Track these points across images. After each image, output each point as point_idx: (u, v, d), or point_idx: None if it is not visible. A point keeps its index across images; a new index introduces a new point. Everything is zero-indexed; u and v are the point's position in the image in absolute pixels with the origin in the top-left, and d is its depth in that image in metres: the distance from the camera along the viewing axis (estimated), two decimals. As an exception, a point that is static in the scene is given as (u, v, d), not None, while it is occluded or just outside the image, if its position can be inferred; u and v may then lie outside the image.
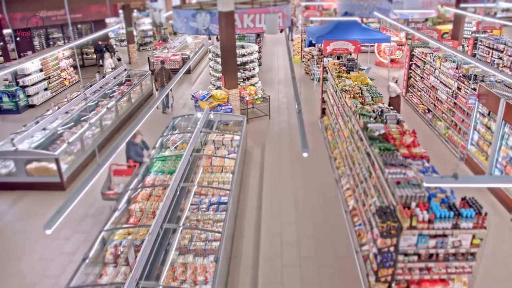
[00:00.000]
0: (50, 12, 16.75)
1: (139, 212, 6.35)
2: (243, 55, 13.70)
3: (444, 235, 4.56)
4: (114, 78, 13.77)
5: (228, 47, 10.77)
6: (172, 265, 5.48)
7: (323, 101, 11.45)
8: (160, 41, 21.88)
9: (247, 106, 11.96)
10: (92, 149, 9.79)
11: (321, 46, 13.56)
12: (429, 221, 4.47)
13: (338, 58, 12.25)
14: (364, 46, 17.95)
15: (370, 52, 18.36)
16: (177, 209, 6.42)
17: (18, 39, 15.88)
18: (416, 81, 12.51)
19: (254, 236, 6.92)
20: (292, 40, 22.39)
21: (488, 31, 17.09)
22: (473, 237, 4.55)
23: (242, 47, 14.37)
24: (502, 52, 13.24)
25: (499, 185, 7.24)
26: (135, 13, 27.09)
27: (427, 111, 11.54)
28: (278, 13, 11.67)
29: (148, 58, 17.83)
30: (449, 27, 18.85)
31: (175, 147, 8.50)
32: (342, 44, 12.25)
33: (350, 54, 13.04)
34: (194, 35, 17.79)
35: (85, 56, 19.89)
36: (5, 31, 14.98)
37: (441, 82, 10.57)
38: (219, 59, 13.29)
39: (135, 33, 22.46)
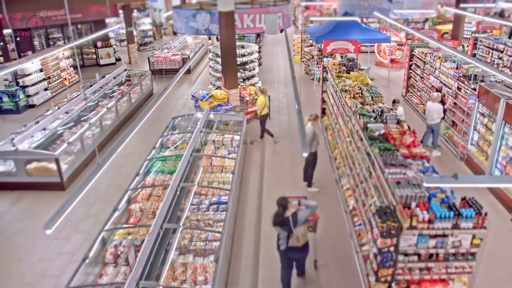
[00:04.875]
0: (50, 12, 16.76)
1: (139, 212, 6.36)
2: (243, 55, 13.70)
3: (444, 235, 4.56)
4: (114, 78, 13.78)
5: (228, 47, 10.77)
6: (172, 265, 5.48)
7: (323, 101, 11.45)
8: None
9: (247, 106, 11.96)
10: (92, 149, 9.80)
11: (321, 46, 13.56)
12: (429, 221, 4.47)
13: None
14: (364, 46, 17.95)
15: (370, 52, 18.36)
16: (177, 209, 6.42)
17: (18, 39, 15.89)
18: (416, 81, 12.51)
19: (254, 236, 6.92)
20: None
21: (488, 31, 17.09)
22: (473, 237, 4.55)
23: (242, 47, 14.38)
24: (502, 52, 13.24)
25: (499, 185, 7.24)
26: (135, 13, 27.09)
27: (427, 111, 11.53)
28: (278, 13, 11.67)
29: (148, 58, 17.83)
30: (449, 27, 18.85)
31: (175, 147, 8.50)
32: (342, 44, 12.26)
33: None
34: (194, 35, 17.82)
35: (85, 56, 19.89)
36: (5, 31, 14.97)
37: (441, 82, 10.57)
38: (219, 59, 13.30)
39: (135, 33, 22.47)
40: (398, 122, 6.62)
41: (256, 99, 11.75)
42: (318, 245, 6.31)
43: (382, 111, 6.94)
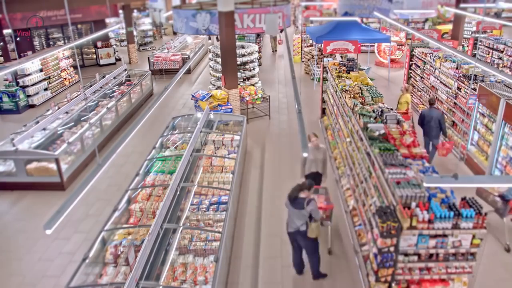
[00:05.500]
0: (50, 12, 16.76)
1: (139, 212, 6.36)
2: (243, 55, 13.70)
3: (444, 235, 4.56)
4: (114, 78, 13.78)
5: (228, 47, 10.76)
6: (172, 265, 5.48)
7: (323, 101, 11.45)
8: None
9: (247, 106, 11.96)
10: (92, 149, 9.80)
11: (321, 46, 13.56)
12: (429, 221, 4.47)
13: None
14: (364, 46, 17.95)
15: (370, 52, 18.36)
16: (177, 209, 6.42)
17: (18, 39, 15.89)
18: (416, 81, 12.51)
19: (254, 236, 6.92)
20: None
21: (488, 31, 17.09)
22: (473, 237, 4.55)
23: (242, 47, 14.37)
24: (502, 52, 13.24)
25: (499, 185, 7.23)
26: (135, 13, 27.09)
27: (427, 111, 11.53)
28: (278, 13, 11.66)
29: (148, 58, 17.83)
30: (449, 27, 18.85)
31: (175, 147, 8.50)
32: (342, 44, 12.25)
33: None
34: (194, 35, 17.82)
35: (85, 56, 19.89)
36: (5, 31, 14.98)
37: (441, 82, 10.57)
38: (219, 59, 13.29)
39: (135, 33, 22.47)
40: (398, 122, 6.63)
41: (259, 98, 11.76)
42: (332, 232, 6.60)
43: (382, 111, 6.94)
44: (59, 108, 10.49)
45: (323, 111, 11.55)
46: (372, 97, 7.95)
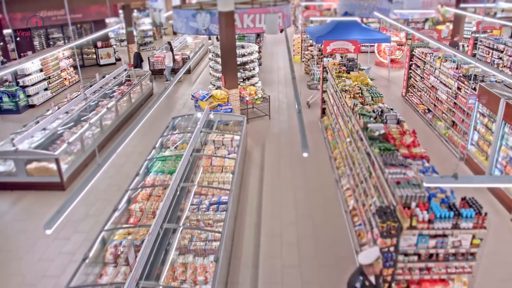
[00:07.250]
0: (50, 12, 16.76)
1: (139, 212, 6.36)
2: (243, 55, 13.70)
3: (444, 235, 4.56)
4: (114, 78, 13.78)
5: (228, 47, 10.77)
6: (172, 265, 5.48)
7: (323, 101, 11.45)
8: None
9: (247, 106, 11.96)
10: (92, 149, 9.80)
11: (321, 46, 13.56)
12: (429, 221, 4.47)
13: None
14: (364, 46, 17.96)
15: (370, 52, 18.36)
16: (177, 209, 6.42)
17: (18, 39, 15.89)
18: (416, 81, 12.51)
19: (254, 236, 6.92)
20: None
21: (488, 31, 17.10)
22: (473, 237, 4.55)
23: (242, 47, 14.37)
24: (502, 52, 13.24)
25: (499, 185, 7.24)
26: (135, 13, 27.09)
27: (427, 111, 11.54)
28: (278, 13, 11.66)
29: (148, 58, 17.83)
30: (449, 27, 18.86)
31: (175, 147, 8.50)
32: (342, 44, 12.25)
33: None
34: (194, 35, 17.81)
35: (85, 56, 19.89)
36: (5, 31, 14.98)
37: (441, 82, 10.57)
38: (219, 59, 13.30)
39: (135, 33, 22.46)
40: (398, 122, 6.63)
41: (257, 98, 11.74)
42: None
43: (382, 111, 6.94)
44: (59, 108, 10.49)
45: (323, 111, 11.55)
46: (372, 97, 7.95)
